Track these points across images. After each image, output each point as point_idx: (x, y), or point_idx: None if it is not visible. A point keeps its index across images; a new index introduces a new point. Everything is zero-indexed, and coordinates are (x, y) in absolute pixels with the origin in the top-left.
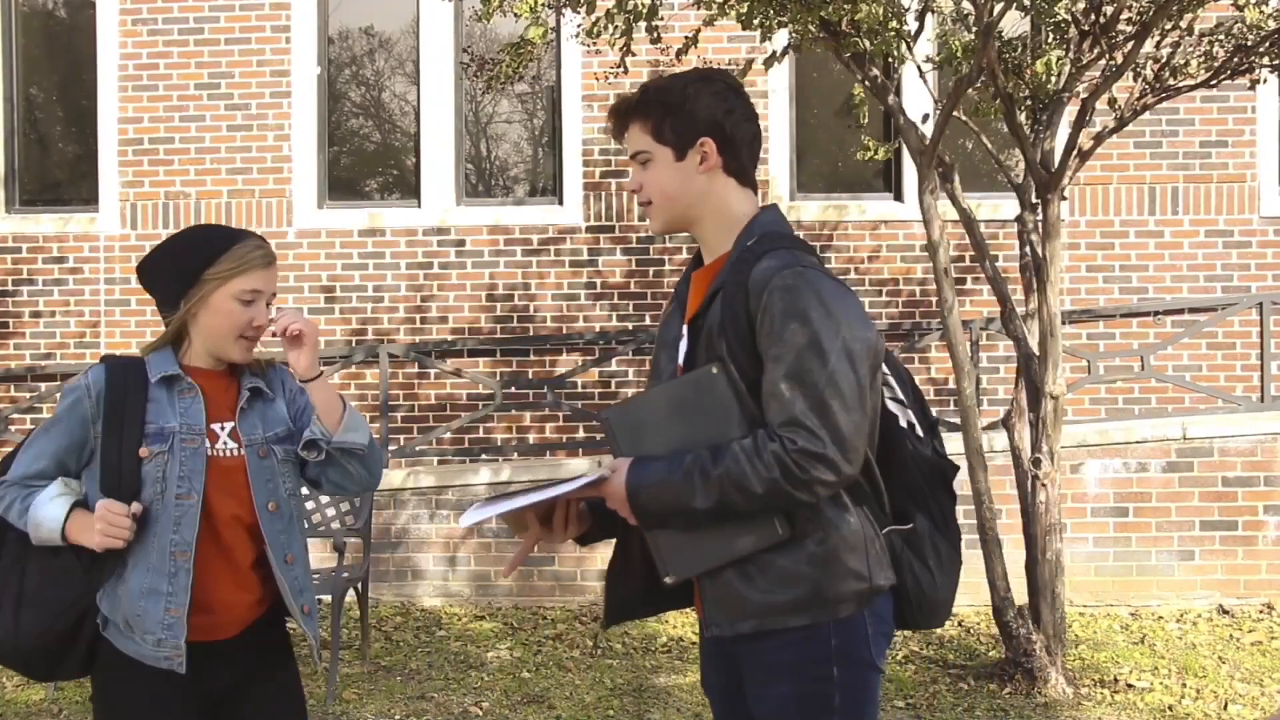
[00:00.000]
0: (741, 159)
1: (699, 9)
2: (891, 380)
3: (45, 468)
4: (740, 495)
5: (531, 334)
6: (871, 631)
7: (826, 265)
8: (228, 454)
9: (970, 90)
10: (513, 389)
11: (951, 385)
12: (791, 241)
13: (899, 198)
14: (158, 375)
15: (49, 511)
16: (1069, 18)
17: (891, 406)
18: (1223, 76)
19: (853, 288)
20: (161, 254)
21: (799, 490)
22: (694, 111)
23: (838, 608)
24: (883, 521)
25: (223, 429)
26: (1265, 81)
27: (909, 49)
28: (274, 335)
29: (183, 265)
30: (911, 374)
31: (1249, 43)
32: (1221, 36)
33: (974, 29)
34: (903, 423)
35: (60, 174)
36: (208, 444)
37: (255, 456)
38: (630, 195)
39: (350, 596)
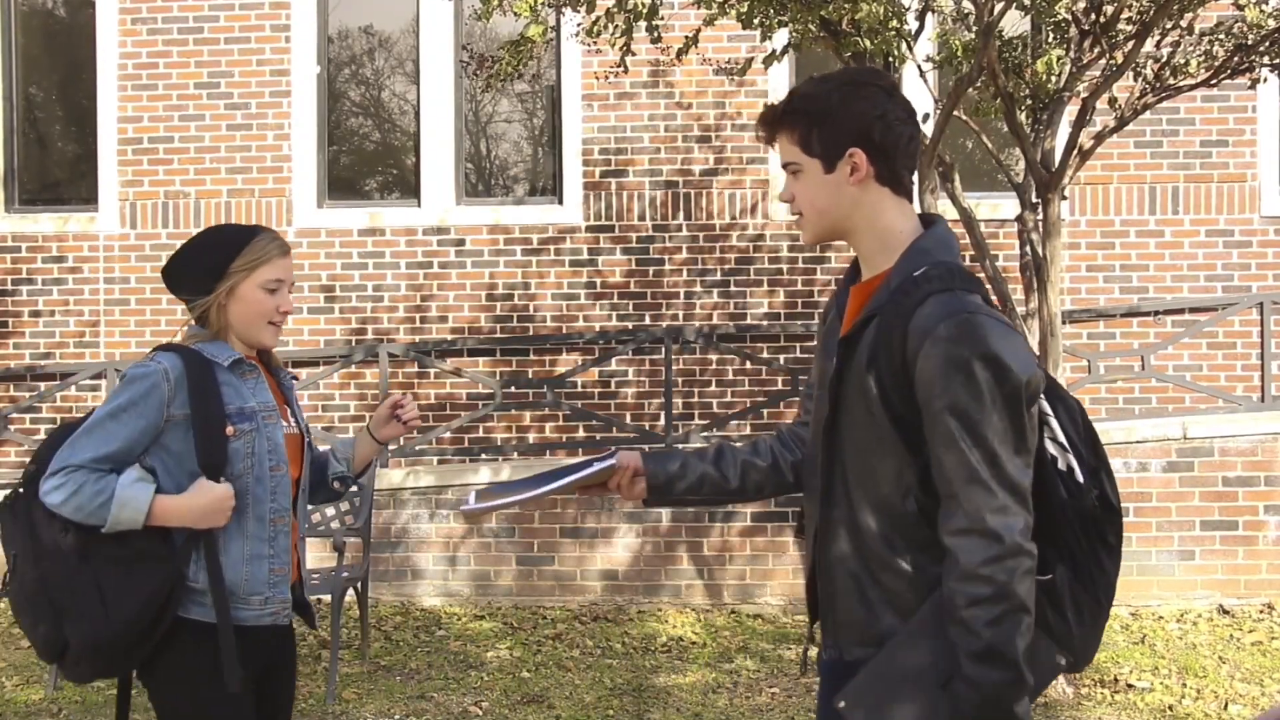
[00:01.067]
0: (896, 166)
1: (699, 8)
2: (1053, 421)
3: (115, 451)
4: (997, 627)
5: (531, 333)
6: None
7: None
8: (290, 431)
9: (970, 90)
10: (512, 388)
11: None
12: (957, 278)
13: None
14: (228, 360)
15: (134, 494)
16: (1069, 17)
17: (1050, 448)
18: (1223, 76)
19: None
20: (186, 254)
21: (1013, 559)
22: (842, 120)
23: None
24: None
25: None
26: (1265, 81)
27: (909, 48)
28: (402, 420)
29: (209, 262)
30: (1084, 411)
31: (1249, 42)
32: (1222, 36)
33: (974, 28)
34: (1061, 466)
35: (60, 173)
36: (285, 424)
37: (306, 437)
38: (632, 194)
39: (350, 596)
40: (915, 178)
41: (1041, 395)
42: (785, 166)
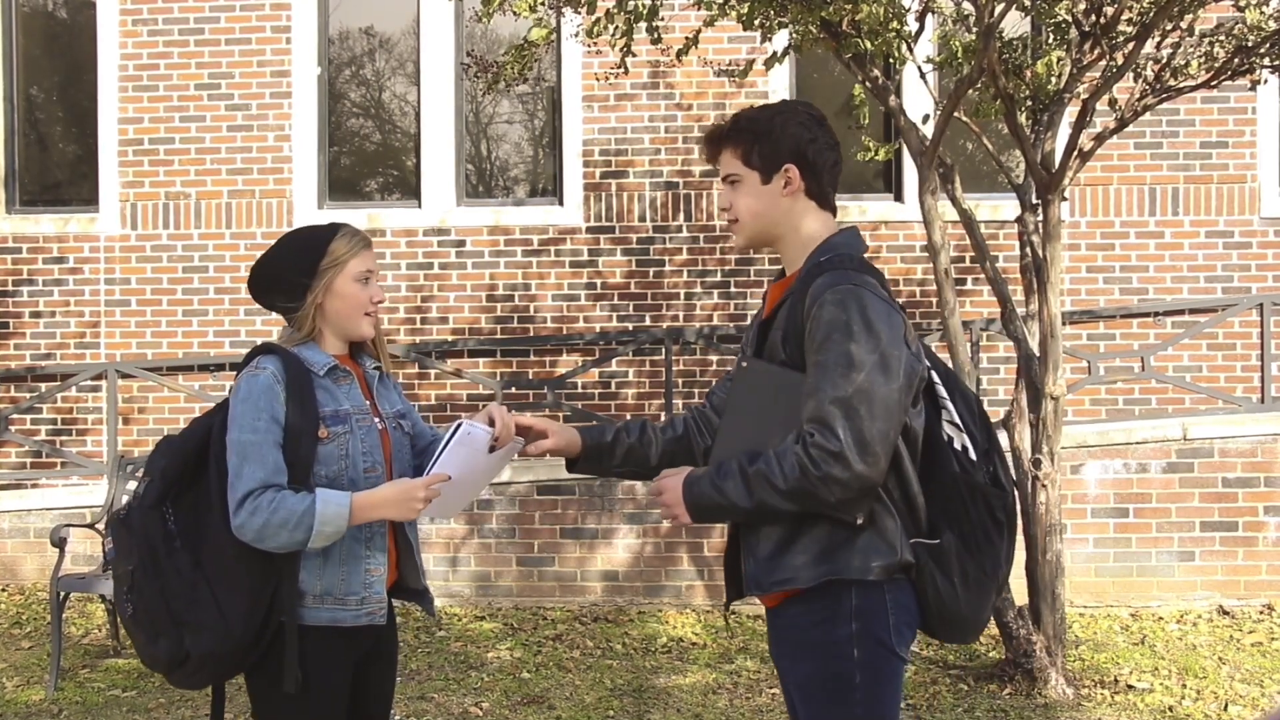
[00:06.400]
0: (822, 184)
1: (699, 9)
2: (949, 404)
3: (276, 463)
4: (770, 492)
5: (532, 334)
6: (893, 620)
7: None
8: (379, 428)
9: (971, 91)
10: (513, 389)
11: None
12: (855, 262)
13: (899, 198)
14: (324, 368)
15: (335, 510)
16: (1070, 18)
17: (946, 429)
18: (1223, 77)
19: None
20: (271, 262)
21: (819, 487)
22: (780, 140)
23: (866, 567)
24: (911, 533)
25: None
26: (1266, 82)
27: (910, 50)
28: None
29: (299, 265)
30: (980, 400)
31: (1249, 43)
32: (1222, 37)
33: (975, 30)
34: (957, 445)
35: (60, 174)
36: (376, 421)
37: (393, 428)
38: (632, 195)
39: None
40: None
41: (938, 383)
42: (725, 179)
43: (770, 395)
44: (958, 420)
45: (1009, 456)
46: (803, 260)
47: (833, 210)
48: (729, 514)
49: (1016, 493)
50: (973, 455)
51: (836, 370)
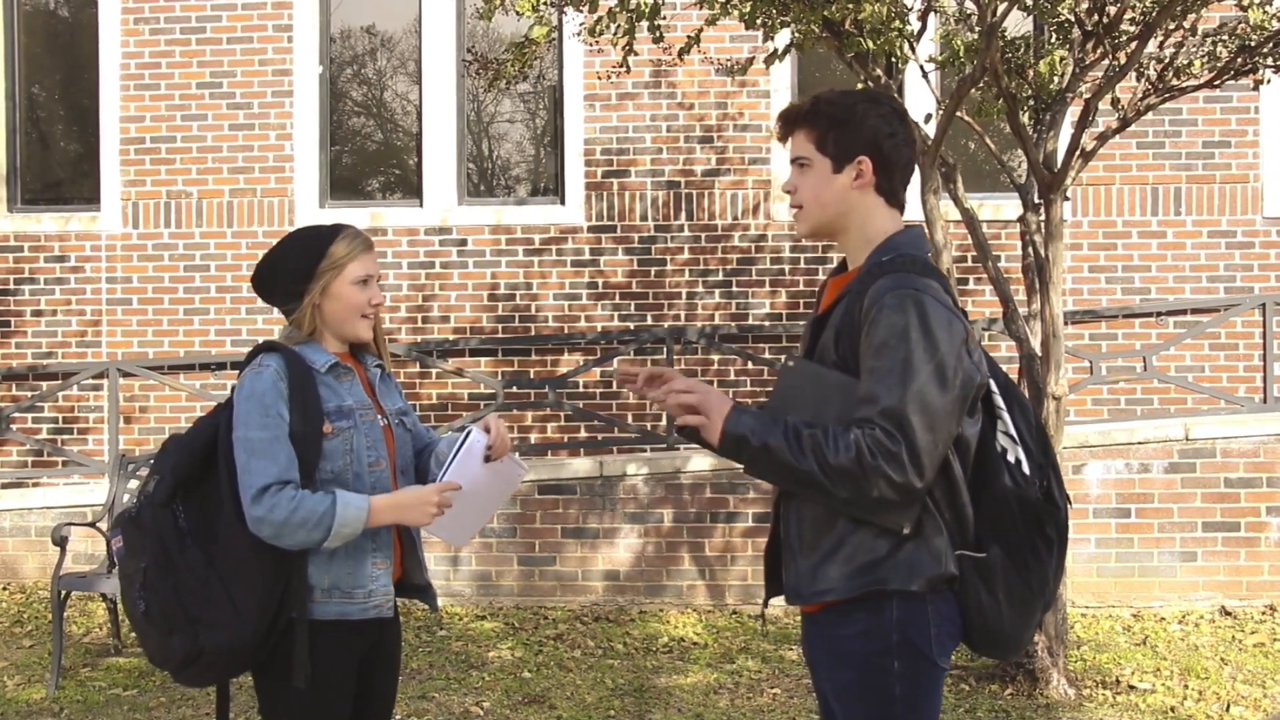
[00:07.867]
0: (894, 181)
1: (701, 8)
2: (1006, 415)
3: (288, 460)
4: (818, 461)
5: (533, 333)
6: (935, 632)
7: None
8: (382, 424)
9: (973, 90)
10: (514, 388)
11: None
12: (919, 265)
13: None
14: (325, 365)
15: (354, 512)
16: (1072, 18)
17: (1001, 440)
18: (1226, 77)
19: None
20: (274, 261)
21: (868, 475)
22: (858, 129)
23: (909, 578)
24: (957, 544)
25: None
26: (1269, 82)
27: (912, 49)
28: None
29: (299, 266)
30: (1037, 414)
31: (1252, 43)
32: (1225, 37)
33: (977, 29)
34: (1010, 458)
35: (62, 173)
36: (379, 418)
37: (396, 425)
38: (634, 195)
39: None
40: (909, 194)
41: (996, 393)
42: (795, 161)
43: (817, 397)
44: (1013, 432)
45: None
46: (864, 257)
47: (901, 209)
48: (762, 463)
49: (1070, 509)
50: (1026, 469)
51: (892, 377)
